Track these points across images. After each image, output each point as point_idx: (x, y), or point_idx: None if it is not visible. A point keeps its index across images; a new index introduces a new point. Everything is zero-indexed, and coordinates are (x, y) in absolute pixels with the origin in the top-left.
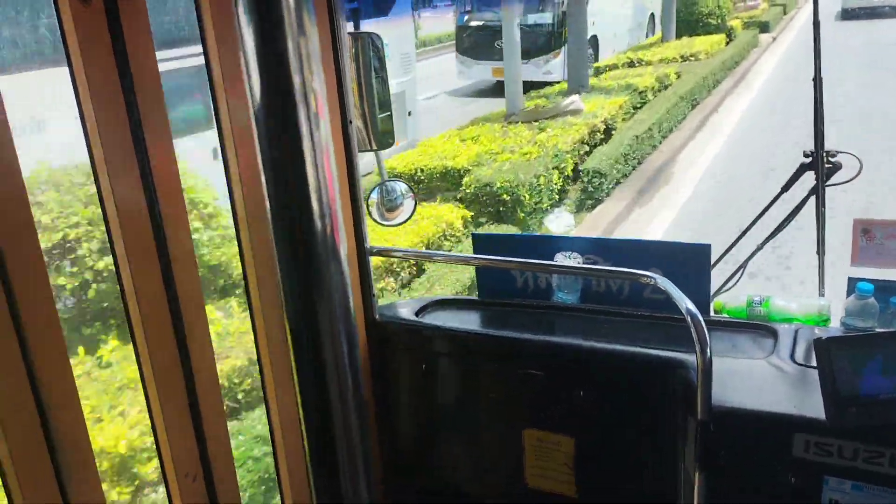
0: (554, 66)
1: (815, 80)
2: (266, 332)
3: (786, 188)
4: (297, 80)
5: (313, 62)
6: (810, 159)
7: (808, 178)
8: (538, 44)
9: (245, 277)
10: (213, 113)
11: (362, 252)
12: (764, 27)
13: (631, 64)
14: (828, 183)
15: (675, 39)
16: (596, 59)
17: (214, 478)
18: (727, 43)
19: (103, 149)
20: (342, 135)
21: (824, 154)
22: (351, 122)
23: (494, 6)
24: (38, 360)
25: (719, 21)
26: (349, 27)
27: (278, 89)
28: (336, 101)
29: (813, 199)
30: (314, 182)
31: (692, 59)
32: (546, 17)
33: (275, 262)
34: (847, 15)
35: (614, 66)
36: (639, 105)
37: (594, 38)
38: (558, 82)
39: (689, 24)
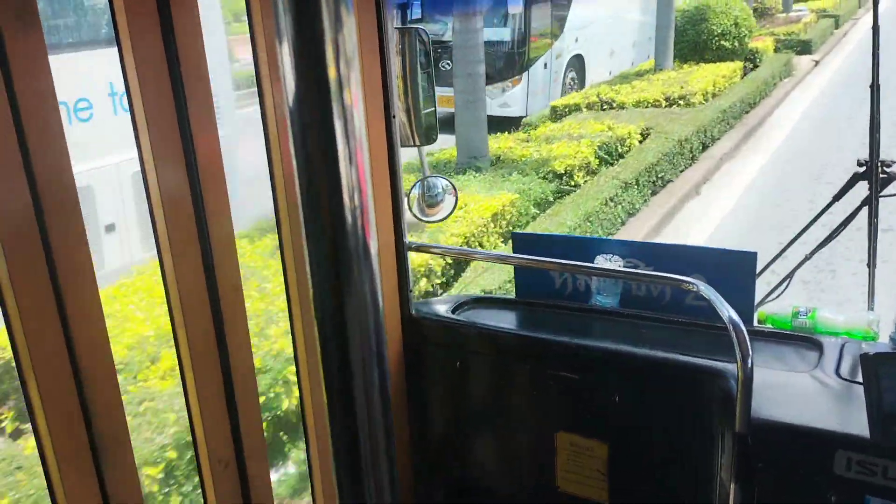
0: (513, 98)
1: (872, 86)
2: (303, 327)
3: (837, 198)
4: (332, 74)
5: (350, 56)
6: (864, 168)
7: (862, 188)
8: (495, 67)
9: (284, 271)
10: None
11: (400, 247)
12: (804, 47)
13: (602, 105)
14: (882, 194)
15: (672, 67)
16: (582, 85)
17: (247, 466)
18: (746, 73)
19: (150, 134)
20: (385, 129)
21: (879, 164)
22: (394, 116)
23: (442, 15)
24: (84, 363)
25: (736, 43)
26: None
27: (312, 83)
28: (380, 95)
29: (865, 209)
30: (346, 177)
31: (682, 103)
32: (504, 33)
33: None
34: None
35: (576, 108)
36: (558, 196)
37: (578, 58)
38: (520, 118)
39: (697, 46)
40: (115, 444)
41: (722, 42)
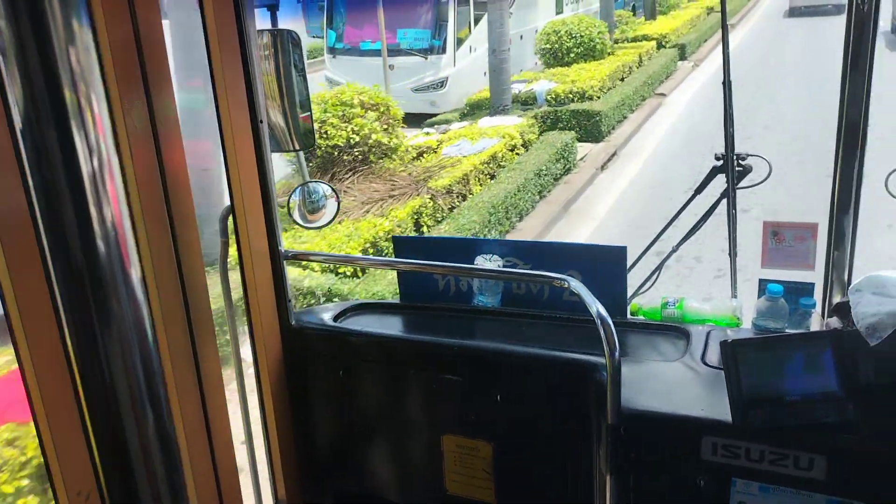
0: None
1: (724, 83)
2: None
3: (698, 191)
4: (68, 95)
5: (90, 74)
6: (721, 162)
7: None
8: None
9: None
10: None
11: (276, 256)
12: None
13: None
14: (738, 185)
15: None
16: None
17: (111, 496)
18: None
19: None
20: (251, 135)
21: (734, 157)
22: (262, 121)
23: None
24: None
25: None
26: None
27: (45, 106)
28: (244, 100)
29: (724, 201)
30: (94, 206)
31: None
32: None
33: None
34: (793, 13)
35: None
36: None
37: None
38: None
39: None
40: None
41: None
